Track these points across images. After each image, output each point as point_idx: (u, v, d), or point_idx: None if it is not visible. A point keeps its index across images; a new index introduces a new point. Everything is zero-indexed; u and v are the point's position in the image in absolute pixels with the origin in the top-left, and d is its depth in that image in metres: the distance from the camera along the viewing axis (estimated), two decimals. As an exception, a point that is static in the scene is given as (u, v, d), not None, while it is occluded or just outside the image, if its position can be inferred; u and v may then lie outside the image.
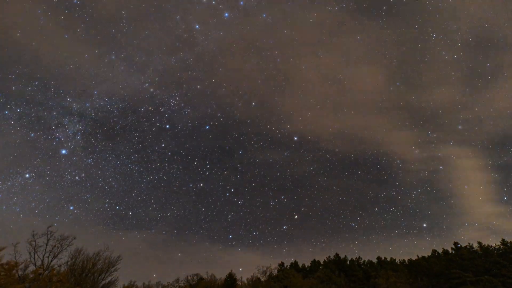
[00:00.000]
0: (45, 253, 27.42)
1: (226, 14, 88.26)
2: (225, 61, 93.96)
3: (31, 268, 26.63)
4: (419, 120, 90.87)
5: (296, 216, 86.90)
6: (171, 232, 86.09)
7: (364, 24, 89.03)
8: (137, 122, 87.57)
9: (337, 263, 47.39)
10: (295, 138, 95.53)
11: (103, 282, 31.02)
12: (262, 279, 45.42)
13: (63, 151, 78.02)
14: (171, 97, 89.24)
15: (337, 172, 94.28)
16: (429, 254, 47.78)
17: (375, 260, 49.54)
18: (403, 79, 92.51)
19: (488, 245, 41.76)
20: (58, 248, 27.99)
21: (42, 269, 26.18)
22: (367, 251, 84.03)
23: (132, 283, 38.75)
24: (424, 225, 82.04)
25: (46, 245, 27.48)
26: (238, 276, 47.71)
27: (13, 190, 68.97)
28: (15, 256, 25.15)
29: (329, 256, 50.27)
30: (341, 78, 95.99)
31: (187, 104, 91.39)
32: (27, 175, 71.41)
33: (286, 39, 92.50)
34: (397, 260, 49.73)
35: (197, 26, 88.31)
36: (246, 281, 46.97)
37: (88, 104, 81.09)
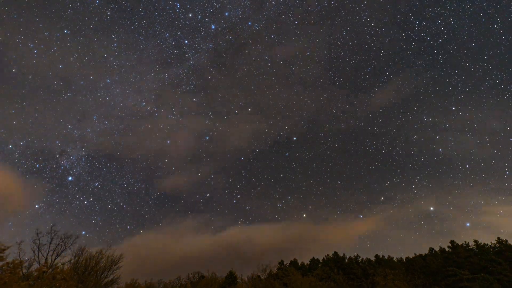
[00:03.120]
0: (48, 252, 27.84)
1: (213, 26, 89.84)
2: (217, 71, 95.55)
3: (35, 266, 27.01)
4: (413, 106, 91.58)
5: (304, 215, 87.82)
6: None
7: (347, 20, 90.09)
8: (138, 141, 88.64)
9: (336, 261, 48.01)
10: (294, 138, 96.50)
11: (106, 280, 31.40)
12: (262, 277, 45.89)
13: (70, 178, 79.39)
14: (168, 113, 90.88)
15: (339, 166, 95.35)
16: (426, 252, 48.56)
17: (373, 258, 50.23)
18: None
19: (484, 243, 42.52)
20: (61, 246, 28.40)
21: (46, 267, 26.49)
22: (377, 243, 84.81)
23: (134, 281, 39.12)
24: (431, 208, 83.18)
25: (50, 243, 27.89)
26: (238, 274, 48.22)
27: (24, 222, 69.40)
28: (19, 255, 25.51)
29: (328, 255, 50.92)
30: (331, 75, 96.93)
31: (185, 118, 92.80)
32: (36, 206, 71.87)
33: (273, 43, 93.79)
34: (394, 258, 50.47)
35: (186, 41, 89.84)
36: (246, 279, 47.48)
37: (88, 129, 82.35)
